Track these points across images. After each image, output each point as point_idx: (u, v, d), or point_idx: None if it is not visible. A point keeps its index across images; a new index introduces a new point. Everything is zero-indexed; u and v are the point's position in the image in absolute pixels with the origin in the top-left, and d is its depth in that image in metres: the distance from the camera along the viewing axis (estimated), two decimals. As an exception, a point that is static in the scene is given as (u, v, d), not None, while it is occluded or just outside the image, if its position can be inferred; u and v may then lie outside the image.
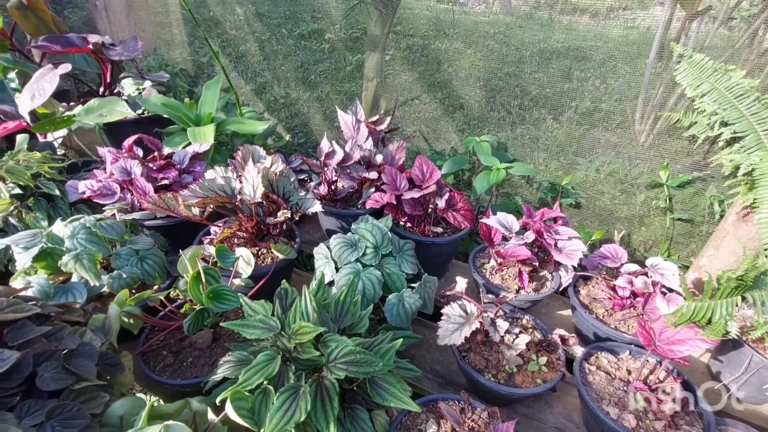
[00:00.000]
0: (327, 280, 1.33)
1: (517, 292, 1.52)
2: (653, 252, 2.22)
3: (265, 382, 0.92)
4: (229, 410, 0.81)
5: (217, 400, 0.85)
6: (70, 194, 1.53)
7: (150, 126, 2.12)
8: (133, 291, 1.32)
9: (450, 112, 3.57)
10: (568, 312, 1.70)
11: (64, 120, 1.77)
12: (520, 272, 1.51)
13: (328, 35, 6.13)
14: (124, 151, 1.59)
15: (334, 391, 0.91)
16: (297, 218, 1.87)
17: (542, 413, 1.31)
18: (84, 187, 1.52)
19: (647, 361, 1.23)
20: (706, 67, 1.56)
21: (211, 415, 0.85)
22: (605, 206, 2.41)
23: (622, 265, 1.49)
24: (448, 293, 1.43)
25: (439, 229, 1.64)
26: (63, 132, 2.00)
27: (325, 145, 1.69)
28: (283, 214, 1.33)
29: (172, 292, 1.31)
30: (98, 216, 1.31)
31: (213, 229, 1.44)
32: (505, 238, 1.57)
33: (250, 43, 5.53)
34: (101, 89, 2.28)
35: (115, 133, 2.18)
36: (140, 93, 2.17)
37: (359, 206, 1.76)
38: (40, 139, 1.94)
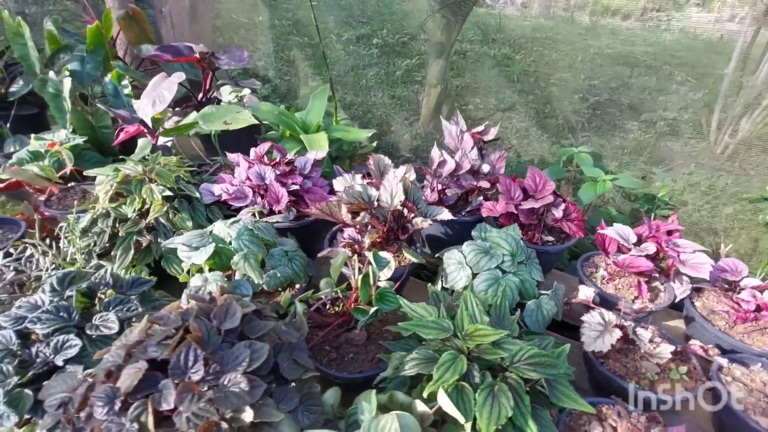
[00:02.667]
0: (461, 285, 1.39)
1: (632, 302, 1.56)
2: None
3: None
4: (444, 401, 0.88)
5: (424, 393, 0.91)
6: (204, 197, 1.63)
7: (242, 132, 2.22)
8: (279, 290, 1.40)
9: (506, 119, 3.58)
10: (675, 323, 1.72)
11: (187, 126, 1.88)
12: (639, 283, 1.55)
13: (375, 40, 6.22)
14: (254, 157, 1.68)
15: (522, 389, 0.97)
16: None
17: (672, 420, 1.35)
18: (220, 190, 1.62)
19: (786, 373, 1.26)
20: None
21: (421, 407, 0.91)
22: (688, 218, 2.41)
23: (742, 278, 1.51)
24: (573, 301, 1.48)
25: (550, 238, 1.69)
26: (171, 137, 2.11)
27: (436, 155, 1.76)
28: (422, 221, 1.40)
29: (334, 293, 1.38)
30: (249, 219, 1.39)
31: (347, 232, 1.51)
32: (619, 249, 1.61)
33: (299, 49, 5.64)
34: (200, 95, 2.40)
35: (207, 137, 2.29)
36: (240, 100, 2.28)
37: (464, 213, 1.82)
38: (155, 142, 2.06)
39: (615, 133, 3.74)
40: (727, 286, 1.59)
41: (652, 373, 1.28)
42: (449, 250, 1.46)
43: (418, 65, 5.38)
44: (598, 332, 1.27)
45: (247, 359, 0.78)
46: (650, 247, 1.54)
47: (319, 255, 1.46)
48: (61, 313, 0.99)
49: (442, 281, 1.45)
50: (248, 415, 0.72)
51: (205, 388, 0.74)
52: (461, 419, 0.88)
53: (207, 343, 0.80)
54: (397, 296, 1.21)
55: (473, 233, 1.54)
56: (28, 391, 0.90)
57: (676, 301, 1.59)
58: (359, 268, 1.26)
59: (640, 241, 1.60)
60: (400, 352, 1.15)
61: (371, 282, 1.19)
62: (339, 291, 1.27)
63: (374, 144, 2.32)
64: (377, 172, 1.49)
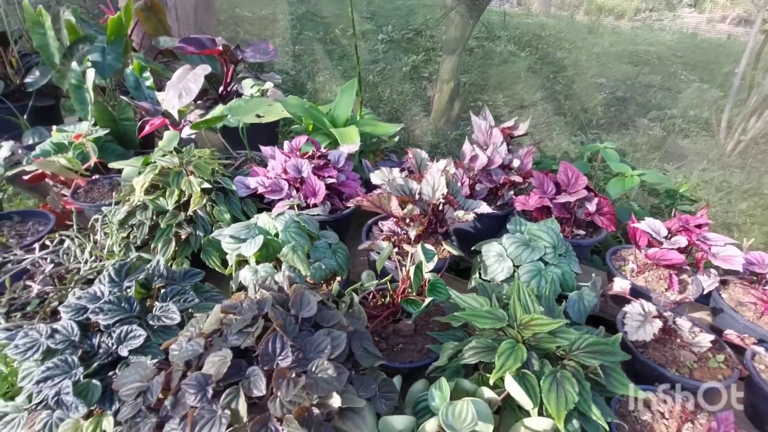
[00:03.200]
0: (501, 277, 1.41)
1: (662, 294, 1.59)
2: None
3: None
4: (512, 387, 0.89)
5: (491, 380, 0.93)
6: (238, 189, 1.63)
7: (263, 126, 2.22)
8: (322, 282, 1.41)
9: (517, 115, 3.61)
10: (700, 314, 1.76)
11: (216, 119, 1.86)
12: (670, 276, 1.58)
13: (380, 35, 6.18)
14: (289, 150, 1.67)
15: (582, 376, 0.99)
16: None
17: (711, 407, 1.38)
18: (255, 183, 1.61)
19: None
20: None
21: (489, 393, 0.93)
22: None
23: (769, 270, 1.55)
24: (610, 293, 1.51)
25: (581, 231, 1.72)
26: (200, 129, 2.09)
27: (467, 150, 1.77)
28: (464, 214, 1.41)
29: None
30: (293, 212, 1.39)
31: (387, 225, 1.52)
32: (649, 243, 1.64)
33: (305, 43, 5.60)
34: (221, 89, 2.38)
35: (232, 131, 2.28)
36: (262, 94, 2.27)
37: (493, 208, 1.84)
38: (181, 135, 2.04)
39: (624, 131, 3.79)
40: (753, 278, 1.63)
41: (691, 362, 1.31)
42: (488, 243, 1.47)
43: (425, 61, 5.38)
44: (639, 322, 1.30)
45: (329, 347, 0.79)
46: (681, 241, 1.58)
47: (361, 247, 1.47)
48: (123, 304, 0.99)
49: (480, 273, 1.47)
50: (336, 401, 0.73)
51: (293, 375, 0.74)
52: (529, 404, 0.90)
53: (287, 330, 0.80)
54: (447, 287, 1.22)
55: (509, 226, 1.55)
56: (95, 381, 0.90)
57: (704, 293, 1.62)
58: (405, 260, 1.27)
59: (669, 234, 1.64)
60: (451, 342, 1.17)
61: (422, 274, 1.20)
62: (388, 284, 1.28)
63: (396, 139, 2.33)
64: (416, 166, 1.49)
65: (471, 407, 0.84)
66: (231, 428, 0.70)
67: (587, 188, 1.65)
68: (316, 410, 0.71)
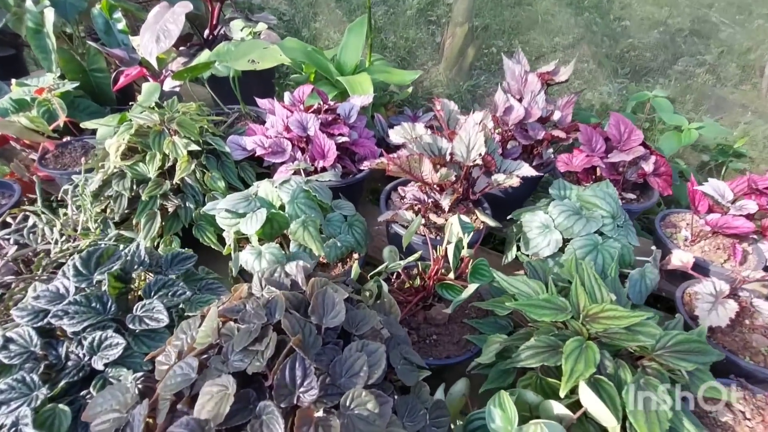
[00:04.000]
0: (546, 252, 1.20)
1: (722, 266, 1.40)
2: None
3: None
4: (589, 400, 0.71)
5: (562, 391, 0.74)
6: (233, 151, 1.38)
7: (255, 77, 1.92)
8: (338, 262, 1.20)
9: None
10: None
11: (202, 66, 1.57)
12: (734, 246, 1.38)
13: (379, -26, 5.53)
14: (290, 103, 1.40)
15: (665, 380, 0.81)
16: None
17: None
18: (252, 143, 1.36)
19: None
20: None
21: (559, 409, 0.75)
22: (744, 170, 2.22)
23: None
24: (668, 267, 1.32)
25: (631, 195, 1.50)
26: (179, 81, 1.80)
27: (500, 99, 1.50)
28: (505, 178, 1.18)
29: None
30: (300, 179, 1.15)
31: (409, 192, 1.28)
32: (710, 208, 1.43)
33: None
34: (206, 33, 2.05)
35: (221, 83, 1.98)
36: (255, 36, 1.94)
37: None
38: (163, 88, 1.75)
39: (653, 80, 3.45)
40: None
41: (766, 348, 1.14)
42: (531, 212, 1.25)
43: (431, 4, 4.89)
44: (710, 304, 1.11)
45: (365, 367, 0.59)
46: (750, 206, 1.36)
47: (381, 219, 1.25)
48: (93, 304, 0.78)
49: (519, 247, 1.26)
50: (379, 445, 0.54)
51: (320, 412, 0.54)
52: (612, 422, 0.72)
53: (309, 347, 0.60)
54: (491, 269, 1.01)
55: (551, 191, 1.32)
56: (63, 406, 0.71)
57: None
58: (433, 234, 1.05)
59: (734, 198, 1.42)
60: (497, 334, 0.98)
61: (461, 252, 0.99)
62: (418, 264, 1.07)
63: (410, 90, 2.03)
64: (445, 120, 1.24)
65: (545, 434, 0.66)
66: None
67: (644, 144, 1.40)
68: (354, 460, 0.52)
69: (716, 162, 1.90)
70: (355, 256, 1.22)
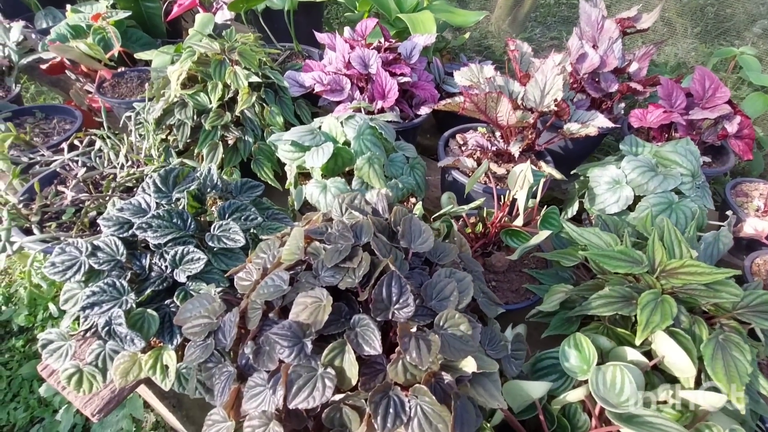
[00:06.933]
0: (614, 209, 1.14)
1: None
2: None
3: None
4: (669, 348, 0.70)
5: (638, 339, 0.72)
6: (290, 87, 1.34)
7: (302, 15, 1.84)
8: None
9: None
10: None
11: (259, -4, 1.51)
12: (816, 216, 1.29)
13: None
14: (351, 37, 1.34)
15: (744, 339, 0.78)
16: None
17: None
18: (311, 80, 1.32)
19: None
20: None
21: (634, 355, 0.74)
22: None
23: None
24: (742, 235, 1.25)
25: (707, 158, 1.40)
26: (230, 14, 1.75)
27: (575, 45, 1.39)
28: (580, 128, 1.11)
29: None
30: (367, 116, 1.12)
31: (472, 139, 1.23)
32: (793, 175, 1.32)
33: None
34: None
35: (273, 19, 1.91)
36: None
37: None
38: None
39: (724, 41, 3.15)
40: None
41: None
42: (601, 166, 1.19)
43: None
44: (791, 275, 1.05)
45: (456, 293, 0.58)
46: (842, 175, 1.25)
47: (441, 164, 1.21)
48: (174, 219, 0.79)
49: (584, 203, 1.21)
50: (471, 365, 0.54)
51: (414, 329, 0.54)
52: (691, 370, 0.70)
53: (397, 269, 0.59)
54: (559, 217, 0.98)
55: (622, 147, 1.25)
56: (151, 311, 0.74)
57: None
58: (494, 182, 1.01)
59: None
60: (562, 284, 0.96)
61: (528, 201, 0.96)
62: (481, 210, 1.05)
63: (467, 36, 1.92)
64: (516, 59, 1.16)
65: (626, 376, 0.65)
66: (336, 393, 0.52)
67: (730, 103, 1.29)
68: (447, 377, 0.52)
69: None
70: (412, 200, 1.21)
